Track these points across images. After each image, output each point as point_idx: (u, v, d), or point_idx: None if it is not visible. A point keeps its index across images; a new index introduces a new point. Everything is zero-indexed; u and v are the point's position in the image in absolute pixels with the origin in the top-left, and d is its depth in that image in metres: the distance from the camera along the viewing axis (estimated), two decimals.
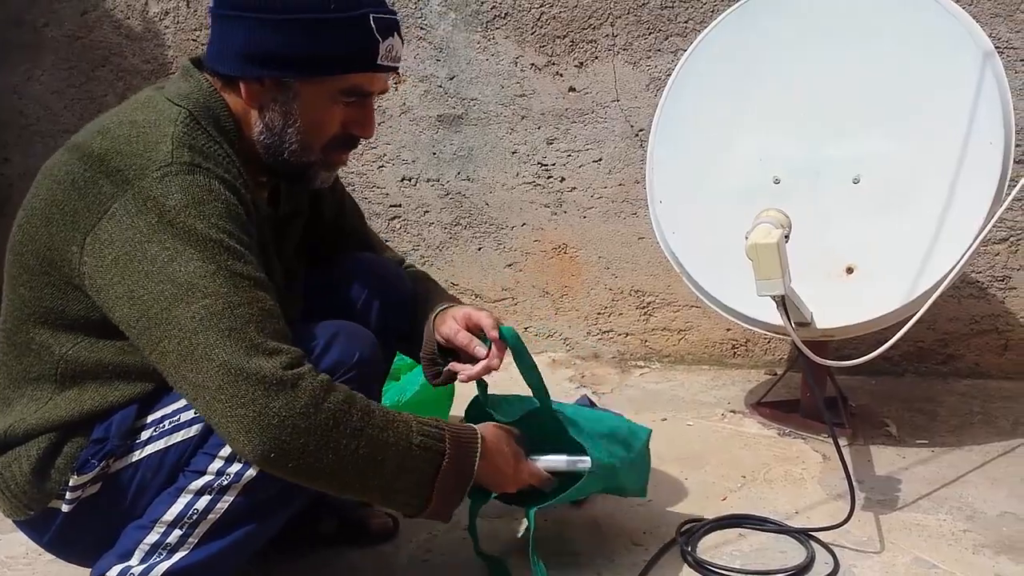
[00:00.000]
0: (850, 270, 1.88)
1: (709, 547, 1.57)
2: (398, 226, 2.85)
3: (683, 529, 1.61)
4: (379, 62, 1.25)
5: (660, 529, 1.64)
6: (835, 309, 1.86)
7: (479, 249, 2.80)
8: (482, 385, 1.50)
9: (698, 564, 1.50)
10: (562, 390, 2.45)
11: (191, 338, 1.11)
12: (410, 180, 2.82)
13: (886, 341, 1.63)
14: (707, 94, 2.09)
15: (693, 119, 2.09)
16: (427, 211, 2.82)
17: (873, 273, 1.86)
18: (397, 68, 1.31)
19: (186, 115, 1.23)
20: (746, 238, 1.61)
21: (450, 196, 2.79)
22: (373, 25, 1.23)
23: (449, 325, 1.47)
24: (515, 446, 1.39)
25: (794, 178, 1.96)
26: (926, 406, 2.25)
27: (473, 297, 2.83)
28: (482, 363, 1.42)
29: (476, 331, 1.45)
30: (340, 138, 1.31)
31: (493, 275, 2.80)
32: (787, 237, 1.61)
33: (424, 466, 1.21)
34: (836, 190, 1.91)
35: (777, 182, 1.97)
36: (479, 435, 1.31)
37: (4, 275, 1.29)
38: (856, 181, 1.89)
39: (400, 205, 2.84)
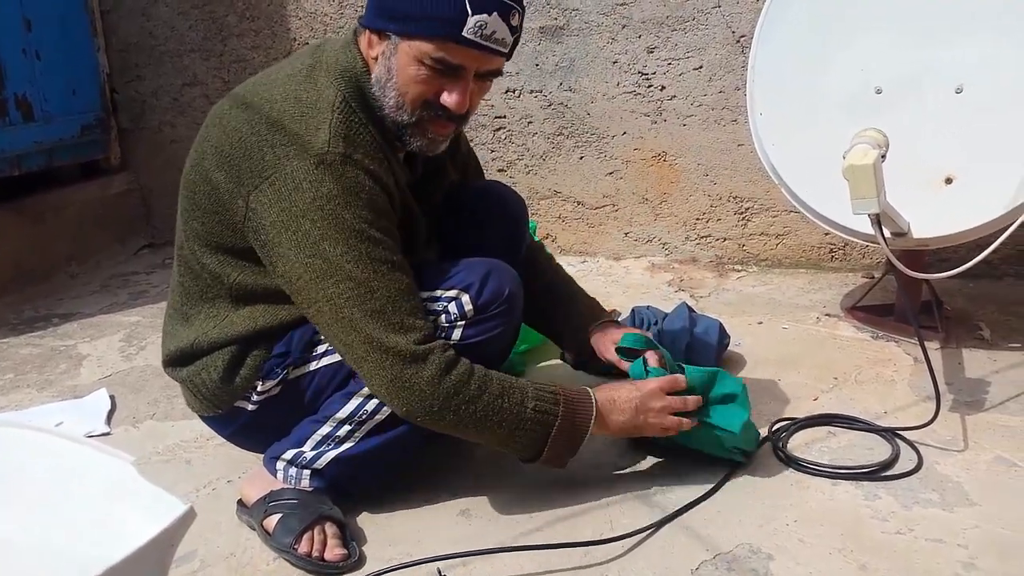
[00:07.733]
0: (949, 180, 1.91)
1: (799, 444, 1.69)
2: (503, 136, 2.97)
3: (775, 428, 1.74)
4: (464, 34, 1.28)
5: None
6: (932, 218, 1.91)
7: (581, 158, 2.90)
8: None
9: (788, 459, 1.63)
10: (661, 294, 2.58)
11: (340, 310, 1.31)
12: (514, 92, 2.91)
13: (985, 246, 1.68)
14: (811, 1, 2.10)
15: (796, 28, 2.11)
16: (531, 122, 2.93)
17: (972, 183, 1.89)
18: (491, 48, 1.31)
19: (342, 100, 1.36)
20: (843, 158, 1.67)
21: (552, 107, 2.88)
22: None
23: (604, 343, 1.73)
24: (640, 401, 1.46)
25: (896, 88, 1.98)
26: (1022, 310, 2.28)
27: (575, 204, 2.95)
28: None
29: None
30: (431, 105, 1.36)
31: (595, 183, 2.90)
32: (884, 157, 1.66)
33: (537, 428, 1.38)
34: (938, 100, 1.93)
35: (879, 92, 2.00)
36: (592, 399, 1.44)
37: (178, 205, 1.49)
38: (959, 91, 1.91)
39: (504, 116, 2.94)
